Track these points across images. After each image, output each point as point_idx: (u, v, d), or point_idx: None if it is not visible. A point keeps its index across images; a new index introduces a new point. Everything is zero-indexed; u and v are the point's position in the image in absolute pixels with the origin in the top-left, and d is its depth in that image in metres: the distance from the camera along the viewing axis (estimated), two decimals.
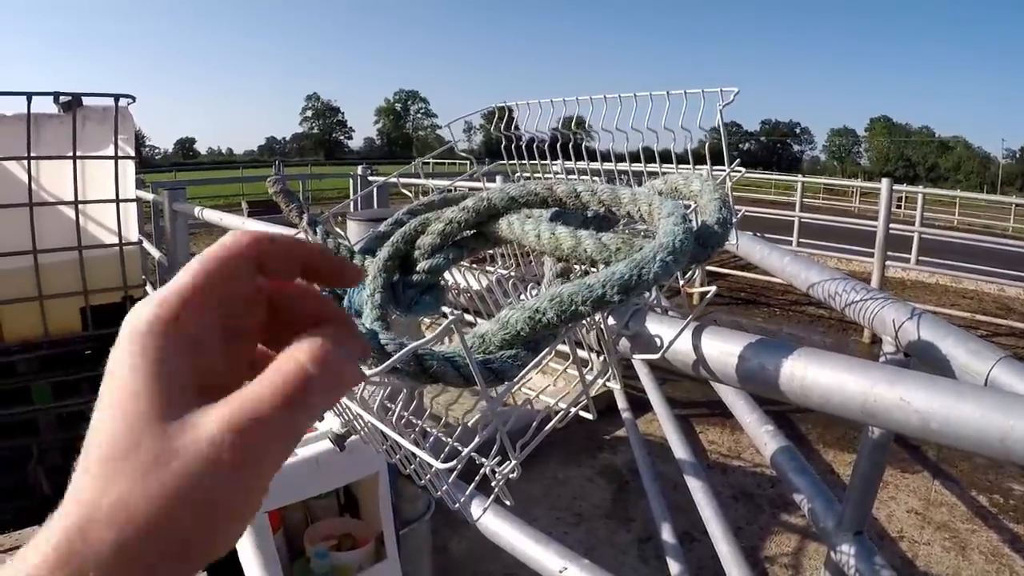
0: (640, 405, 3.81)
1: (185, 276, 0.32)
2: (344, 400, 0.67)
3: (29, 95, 2.95)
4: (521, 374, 0.55)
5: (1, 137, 2.99)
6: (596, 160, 1.11)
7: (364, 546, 1.40)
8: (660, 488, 2.79)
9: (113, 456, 0.27)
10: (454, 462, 0.53)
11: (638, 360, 2.58)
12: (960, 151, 75.47)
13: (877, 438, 1.25)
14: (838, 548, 1.32)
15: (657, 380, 2.90)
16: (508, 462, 0.58)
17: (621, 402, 3.66)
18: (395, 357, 0.48)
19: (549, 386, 0.70)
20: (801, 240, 9.54)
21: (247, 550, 1.32)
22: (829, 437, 4.31)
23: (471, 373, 0.53)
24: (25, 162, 3.00)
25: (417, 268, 0.79)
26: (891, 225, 6.55)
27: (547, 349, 0.56)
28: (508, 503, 0.63)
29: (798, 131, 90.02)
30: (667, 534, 2.51)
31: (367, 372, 0.50)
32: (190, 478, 0.26)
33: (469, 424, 0.56)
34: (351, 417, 0.75)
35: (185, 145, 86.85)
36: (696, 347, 0.66)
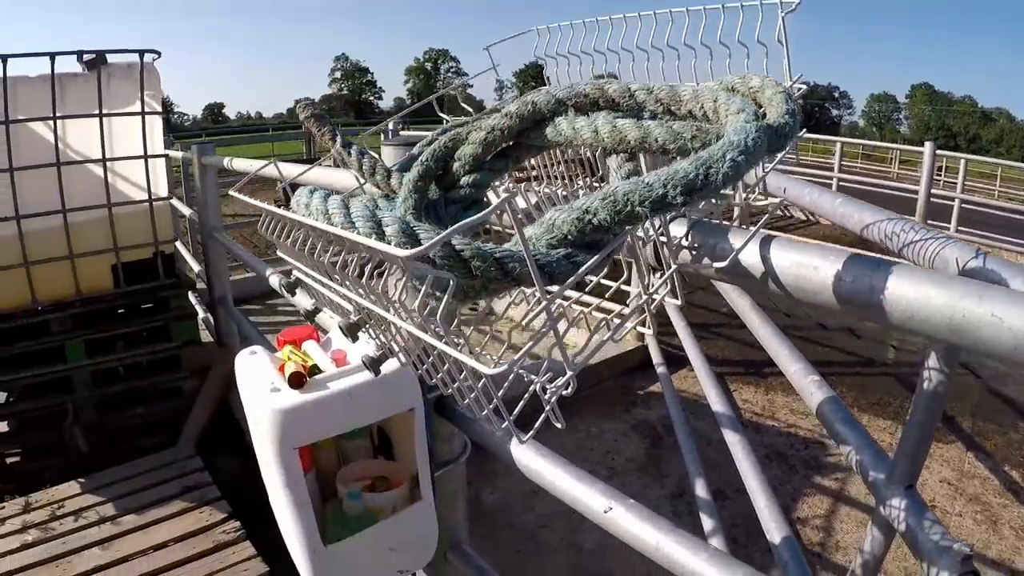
0: (674, 361, 3.76)
1: None
2: (380, 312, 0.63)
3: (52, 55, 2.93)
4: (577, 275, 0.50)
5: (26, 98, 2.99)
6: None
7: (398, 487, 1.37)
8: (694, 444, 2.75)
9: None
10: (506, 367, 0.48)
11: (674, 311, 2.49)
12: (1003, 123, 72.70)
13: (935, 385, 1.18)
14: (888, 502, 1.25)
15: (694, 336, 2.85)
16: (560, 377, 0.54)
17: (656, 356, 3.62)
18: (441, 236, 0.43)
19: (601, 302, 0.65)
20: None
21: (277, 490, 1.28)
22: (864, 402, 4.22)
23: (519, 271, 0.48)
24: (51, 122, 3.00)
25: (460, 183, 0.74)
26: (931, 191, 6.34)
27: (606, 251, 0.51)
28: (560, 425, 0.59)
29: (836, 95, 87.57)
30: (701, 490, 2.48)
31: (402, 253, 0.45)
32: None
33: (524, 324, 0.51)
34: (389, 336, 0.70)
35: (214, 110, 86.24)
36: (765, 258, 0.61)
